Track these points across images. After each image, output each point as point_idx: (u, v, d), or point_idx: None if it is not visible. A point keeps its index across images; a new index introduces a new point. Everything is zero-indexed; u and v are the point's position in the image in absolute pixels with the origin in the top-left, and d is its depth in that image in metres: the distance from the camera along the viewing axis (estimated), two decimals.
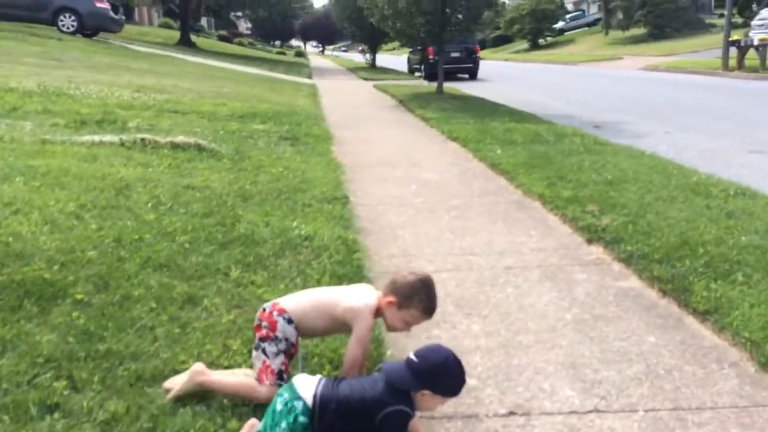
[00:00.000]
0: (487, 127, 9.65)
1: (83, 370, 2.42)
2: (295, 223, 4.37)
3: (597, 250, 4.49)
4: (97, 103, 9.04)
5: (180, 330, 2.80)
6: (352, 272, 3.69)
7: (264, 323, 2.46)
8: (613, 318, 3.46)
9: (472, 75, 25.41)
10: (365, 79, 23.80)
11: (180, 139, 6.57)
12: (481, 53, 27.42)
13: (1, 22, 18.15)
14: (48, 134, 6.50)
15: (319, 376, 2.30)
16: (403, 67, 31.40)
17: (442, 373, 2.23)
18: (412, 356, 2.25)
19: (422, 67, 24.78)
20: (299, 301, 2.54)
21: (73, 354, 2.51)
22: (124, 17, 23.42)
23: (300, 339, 2.52)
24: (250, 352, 2.70)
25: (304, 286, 3.40)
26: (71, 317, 2.80)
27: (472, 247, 4.50)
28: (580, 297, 3.72)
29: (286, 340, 2.45)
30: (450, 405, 2.59)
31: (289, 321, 2.45)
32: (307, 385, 2.20)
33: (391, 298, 2.50)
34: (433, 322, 3.28)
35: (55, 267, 3.24)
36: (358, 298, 2.54)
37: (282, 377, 2.40)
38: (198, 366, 2.41)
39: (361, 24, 27.94)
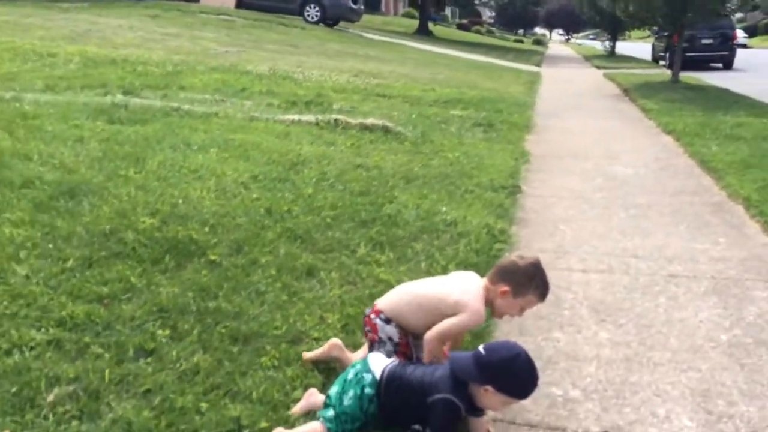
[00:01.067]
0: (713, 121, 8.60)
1: (187, 323, 2.63)
2: (445, 208, 4.29)
3: None
4: (314, 86, 9.71)
5: (287, 298, 2.92)
6: (485, 262, 3.53)
7: (367, 328, 2.46)
8: None
9: (727, 64, 22.67)
10: (598, 67, 22.55)
11: (370, 121, 6.80)
12: (749, 41, 24.17)
13: (255, 13, 20.35)
14: (258, 112, 7.14)
15: (393, 358, 2.28)
16: (648, 55, 29.14)
17: (508, 371, 2.06)
18: (480, 349, 2.12)
19: (667, 54, 22.70)
20: (395, 299, 2.47)
21: (186, 307, 2.74)
22: (362, 7, 24.81)
23: (413, 339, 2.45)
24: (343, 327, 2.74)
25: (428, 272, 3.35)
26: (199, 275, 3.05)
27: (638, 250, 4.05)
28: (748, 317, 3.17)
29: (390, 340, 2.41)
30: (537, 413, 2.39)
31: (387, 321, 2.41)
32: (378, 362, 2.22)
33: (505, 288, 2.36)
34: (557, 324, 3.07)
35: (206, 229, 3.55)
36: (466, 291, 2.40)
37: None
38: (336, 341, 2.50)
39: (600, 9, 26.44)
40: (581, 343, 2.92)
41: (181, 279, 3.00)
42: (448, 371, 2.10)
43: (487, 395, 2.06)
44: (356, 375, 2.18)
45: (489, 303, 2.43)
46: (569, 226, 4.51)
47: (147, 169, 4.50)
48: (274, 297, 2.91)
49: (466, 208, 4.40)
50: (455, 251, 3.62)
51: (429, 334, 2.34)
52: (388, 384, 2.14)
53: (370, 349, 2.44)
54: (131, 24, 14.37)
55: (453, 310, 2.36)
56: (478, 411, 2.13)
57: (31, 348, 2.38)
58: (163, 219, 3.61)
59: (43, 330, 2.48)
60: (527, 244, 4.11)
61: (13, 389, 2.14)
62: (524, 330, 2.98)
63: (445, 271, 3.35)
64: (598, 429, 2.32)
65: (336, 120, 6.77)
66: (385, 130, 6.63)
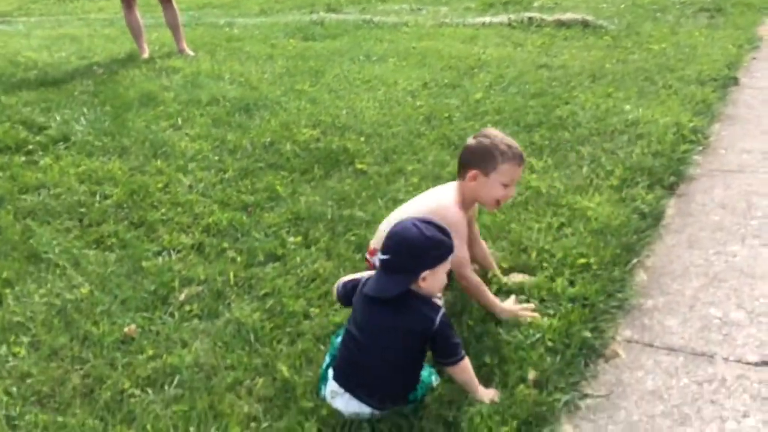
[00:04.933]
0: None
1: (318, 231, 2.67)
2: (629, 107, 3.79)
3: None
4: None
5: None
6: (664, 165, 3.07)
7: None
8: None
9: None
10: None
11: (567, 16, 6.20)
12: None
13: None
14: (450, 18, 6.89)
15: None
16: None
17: (426, 248, 1.72)
18: (381, 257, 1.75)
19: None
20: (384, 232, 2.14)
21: (321, 215, 2.78)
22: None
23: None
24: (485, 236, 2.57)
25: (588, 177, 3.01)
26: (343, 183, 3.07)
27: None
28: None
29: None
30: (683, 336, 2.07)
31: None
32: None
33: (472, 172, 2.11)
34: (738, 235, 2.65)
35: (362, 138, 3.54)
36: (434, 199, 2.18)
37: None
38: None
39: None
40: (764, 258, 2.42)
41: (325, 188, 3.05)
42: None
43: (427, 282, 1.73)
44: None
45: (473, 200, 2.18)
46: None
47: (322, 82, 4.61)
48: None
49: (658, 105, 3.85)
50: (628, 154, 3.19)
51: (460, 268, 2.05)
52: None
53: None
54: None
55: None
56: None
57: (178, 251, 2.60)
58: (323, 130, 3.68)
59: (190, 235, 2.70)
60: (729, 144, 3.49)
61: (152, 287, 2.36)
62: (694, 242, 2.56)
63: (608, 177, 2.99)
64: (756, 358, 1.92)
65: (530, 18, 6.29)
66: (584, 24, 6.01)
